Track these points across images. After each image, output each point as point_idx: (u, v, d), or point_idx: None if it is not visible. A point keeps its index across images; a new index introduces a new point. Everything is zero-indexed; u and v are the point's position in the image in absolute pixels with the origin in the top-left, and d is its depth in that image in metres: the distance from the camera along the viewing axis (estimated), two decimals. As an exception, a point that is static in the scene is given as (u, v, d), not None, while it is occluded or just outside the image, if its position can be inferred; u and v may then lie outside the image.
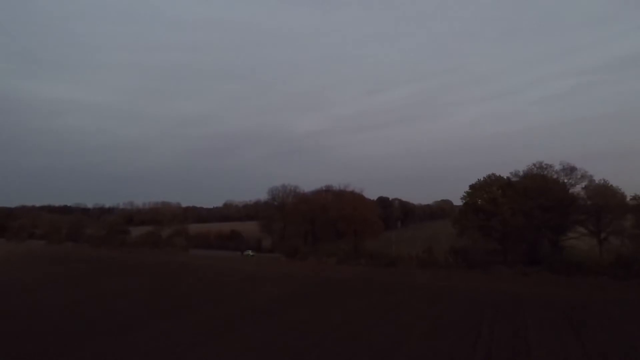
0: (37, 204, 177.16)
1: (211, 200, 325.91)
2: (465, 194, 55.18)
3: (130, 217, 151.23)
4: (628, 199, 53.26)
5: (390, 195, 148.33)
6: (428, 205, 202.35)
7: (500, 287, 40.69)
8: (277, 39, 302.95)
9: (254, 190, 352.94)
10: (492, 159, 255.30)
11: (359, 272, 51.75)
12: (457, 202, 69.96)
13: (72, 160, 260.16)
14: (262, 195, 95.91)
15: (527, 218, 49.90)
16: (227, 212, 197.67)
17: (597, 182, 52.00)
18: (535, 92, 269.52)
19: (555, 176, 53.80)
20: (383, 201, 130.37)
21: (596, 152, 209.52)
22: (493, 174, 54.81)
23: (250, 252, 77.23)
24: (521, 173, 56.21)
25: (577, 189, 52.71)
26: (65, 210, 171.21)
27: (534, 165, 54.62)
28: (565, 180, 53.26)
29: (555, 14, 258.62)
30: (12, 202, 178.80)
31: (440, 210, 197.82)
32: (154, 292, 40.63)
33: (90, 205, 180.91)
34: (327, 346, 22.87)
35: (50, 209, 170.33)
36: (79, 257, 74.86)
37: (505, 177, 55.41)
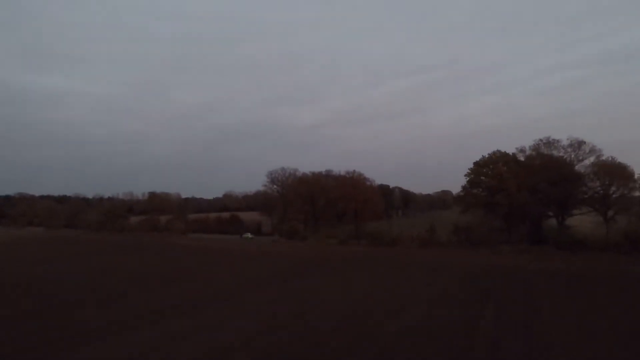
0: (37, 194, 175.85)
1: (211, 192, 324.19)
2: (469, 171, 53.78)
3: (130, 206, 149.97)
4: (636, 176, 51.90)
5: (391, 184, 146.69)
6: (428, 195, 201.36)
7: (505, 262, 39.79)
8: (277, 31, 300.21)
9: (253, 181, 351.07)
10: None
11: (360, 251, 50.82)
12: (457, 192, 68.19)
13: (71, 151, 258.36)
14: (262, 186, 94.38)
15: (533, 193, 48.68)
16: (227, 203, 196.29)
17: (605, 158, 50.55)
18: (536, 84, 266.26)
19: (562, 152, 52.34)
20: (384, 189, 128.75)
21: (597, 146, 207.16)
22: (498, 151, 53.38)
23: (249, 235, 76.26)
24: (527, 150, 54.75)
25: (586, 163, 51.29)
26: (64, 199, 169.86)
27: (541, 140, 53.10)
28: (573, 155, 51.79)
29: (555, 6, 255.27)
30: (11, 190, 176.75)
31: (440, 201, 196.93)
32: (153, 266, 39.80)
33: (89, 195, 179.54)
34: (329, 308, 22.01)
35: (49, 199, 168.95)
36: (78, 239, 74.07)
37: (510, 154, 53.99)
